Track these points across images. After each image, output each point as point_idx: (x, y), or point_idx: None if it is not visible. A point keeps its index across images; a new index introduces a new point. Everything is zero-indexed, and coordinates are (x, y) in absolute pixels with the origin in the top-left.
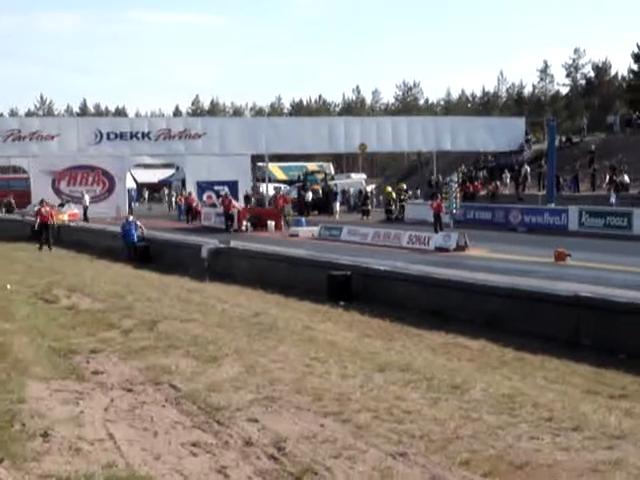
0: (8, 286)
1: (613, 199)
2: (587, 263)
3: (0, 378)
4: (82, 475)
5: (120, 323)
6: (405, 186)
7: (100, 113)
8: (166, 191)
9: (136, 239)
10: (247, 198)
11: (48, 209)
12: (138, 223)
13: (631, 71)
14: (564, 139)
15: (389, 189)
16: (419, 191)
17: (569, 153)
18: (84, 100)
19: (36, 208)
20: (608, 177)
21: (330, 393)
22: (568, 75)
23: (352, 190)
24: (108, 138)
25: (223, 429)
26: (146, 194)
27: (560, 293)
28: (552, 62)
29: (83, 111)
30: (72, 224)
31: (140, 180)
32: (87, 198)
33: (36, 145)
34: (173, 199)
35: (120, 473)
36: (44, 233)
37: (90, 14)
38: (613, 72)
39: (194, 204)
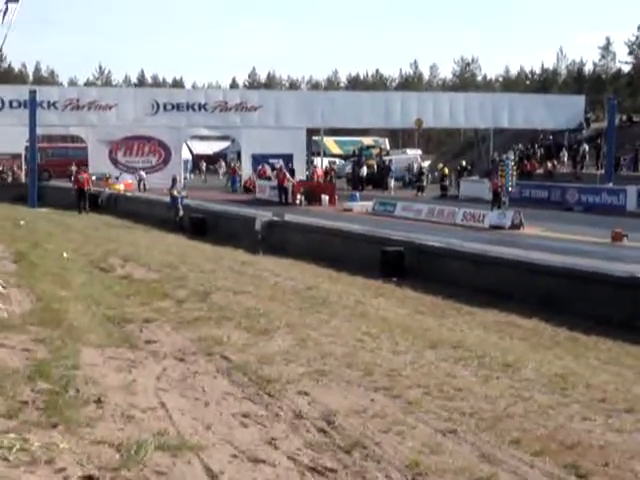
0: (65, 254)
1: None
2: None
3: (55, 345)
4: (134, 442)
5: (174, 293)
6: (464, 163)
7: (157, 84)
8: (222, 163)
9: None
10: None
11: (85, 176)
12: (183, 194)
13: None
14: (624, 118)
15: (441, 165)
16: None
17: (629, 132)
18: (142, 71)
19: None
20: None
21: (381, 368)
22: (630, 53)
23: (407, 165)
24: (165, 109)
25: (273, 401)
26: (203, 166)
27: (616, 274)
28: (614, 39)
29: (141, 82)
30: (128, 194)
31: (196, 152)
32: (143, 174)
33: (94, 115)
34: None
35: (171, 441)
36: (82, 199)
37: None
38: None
39: (244, 177)
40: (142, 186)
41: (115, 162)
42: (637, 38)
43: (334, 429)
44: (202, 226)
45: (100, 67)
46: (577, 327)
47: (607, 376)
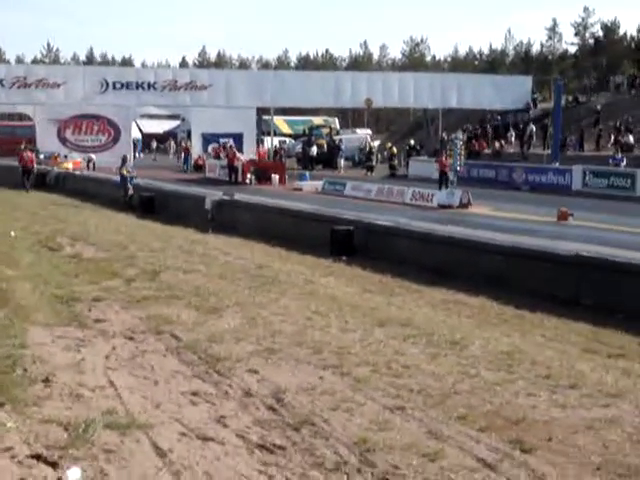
0: (12, 233)
1: (624, 162)
2: (589, 223)
3: (2, 323)
4: (82, 421)
5: (123, 272)
6: (413, 142)
7: (106, 62)
8: (172, 142)
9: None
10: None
11: (29, 154)
12: (133, 173)
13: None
14: (570, 99)
15: (389, 144)
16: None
17: (575, 113)
18: (91, 49)
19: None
20: (613, 138)
21: (330, 346)
22: (577, 34)
23: (359, 145)
24: (114, 88)
25: (223, 379)
26: (154, 145)
27: (561, 252)
28: (561, 20)
29: (89, 60)
30: (76, 173)
31: (145, 131)
32: (92, 156)
33: (42, 93)
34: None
35: (120, 420)
36: (27, 177)
37: None
38: (622, 32)
39: (194, 155)
40: (91, 165)
41: (64, 141)
42: (582, 20)
43: (283, 407)
44: (152, 205)
45: (48, 45)
46: (523, 305)
47: (552, 353)
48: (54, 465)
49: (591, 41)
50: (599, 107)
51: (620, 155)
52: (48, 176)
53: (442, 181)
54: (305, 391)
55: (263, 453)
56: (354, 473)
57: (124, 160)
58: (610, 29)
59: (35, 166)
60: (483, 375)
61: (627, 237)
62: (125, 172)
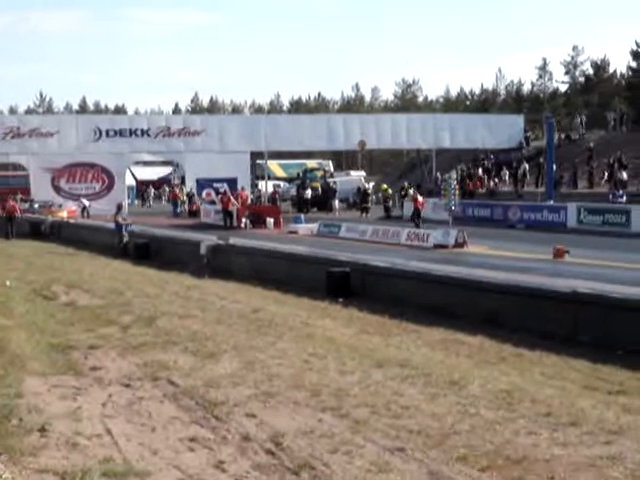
0: (7, 282)
1: (624, 197)
2: (585, 260)
3: None
4: (79, 470)
5: (119, 319)
6: (406, 184)
7: (99, 111)
8: (166, 188)
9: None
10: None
11: (12, 202)
12: (128, 220)
13: (630, 68)
14: (563, 136)
15: (384, 186)
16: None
17: (568, 150)
18: (83, 97)
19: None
20: (607, 174)
21: (328, 388)
22: (567, 72)
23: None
24: (107, 135)
25: (221, 424)
26: (151, 191)
27: (558, 289)
28: (551, 59)
29: (82, 109)
30: (71, 221)
31: (140, 177)
32: (85, 202)
33: (35, 142)
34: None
35: (117, 468)
36: (10, 225)
37: (88, 12)
38: (612, 69)
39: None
40: (85, 213)
41: (58, 189)
42: (572, 58)
43: (282, 450)
44: (147, 251)
45: (41, 94)
46: (522, 343)
47: (552, 390)
48: None
49: (581, 79)
50: (592, 144)
51: (620, 191)
52: (43, 225)
53: (414, 217)
54: (304, 434)
55: None
56: None
57: (119, 207)
58: (600, 67)
59: (18, 214)
60: (483, 414)
61: (623, 273)
62: (120, 219)
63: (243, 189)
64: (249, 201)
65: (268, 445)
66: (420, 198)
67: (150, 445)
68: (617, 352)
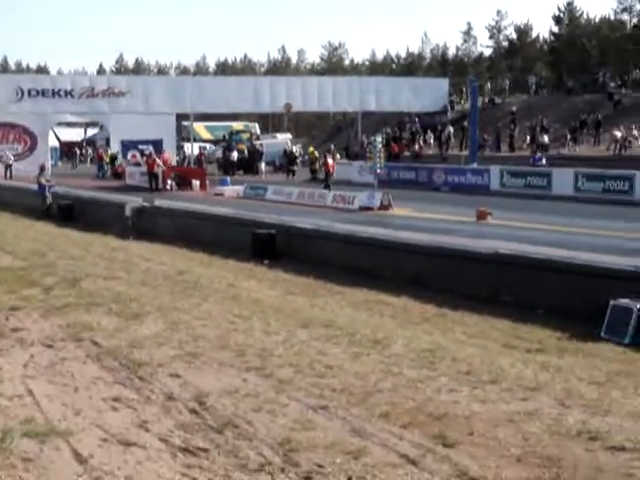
0: None
1: (544, 160)
2: (508, 222)
3: None
4: (0, 431)
5: (42, 281)
6: (333, 146)
7: (21, 70)
8: (89, 150)
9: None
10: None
11: None
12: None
13: (552, 33)
14: (487, 100)
15: (311, 149)
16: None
17: (491, 114)
18: (5, 57)
19: None
20: (529, 138)
21: (253, 349)
22: (491, 37)
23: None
24: (29, 95)
25: (145, 384)
26: (77, 153)
27: (481, 251)
28: (475, 24)
29: (4, 68)
30: None
31: (64, 139)
32: (10, 155)
33: None
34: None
35: (39, 428)
36: None
37: None
38: (534, 34)
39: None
40: (9, 173)
41: None
42: (496, 23)
43: (206, 410)
44: (71, 213)
45: None
46: (445, 304)
47: (473, 349)
48: None
49: (505, 43)
50: (514, 108)
51: (539, 154)
52: None
53: (326, 180)
54: (228, 394)
55: (186, 456)
56: (278, 473)
57: (42, 168)
58: (523, 31)
59: None
60: (405, 373)
61: (544, 235)
62: (43, 180)
63: (164, 152)
64: (172, 163)
65: (192, 405)
66: (330, 161)
67: (73, 405)
68: (537, 312)
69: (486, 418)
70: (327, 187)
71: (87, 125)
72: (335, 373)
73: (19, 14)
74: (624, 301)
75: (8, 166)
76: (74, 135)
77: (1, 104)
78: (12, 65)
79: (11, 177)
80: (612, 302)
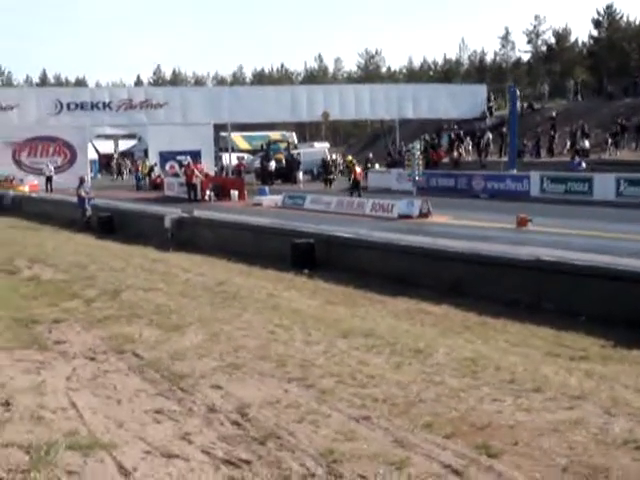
0: None
1: (583, 165)
2: (548, 228)
3: None
4: (44, 443)
5: (83, 293)
6: (371, 155)
7: (60, 84)
8: (128, 162)
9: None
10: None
11: None
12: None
13: (591, 37)
14: (526, 105)
15: (349, 158)
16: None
17: (531, 119)
18: (44, 70)
19: None
20: (569, 143)
21: (294, 359)
22: (529, 42)
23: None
24: (68, 108)
25: (187, 396)
26: (114, 164)
27: (522, 257)
28: (513, 29)
29: (43, 81)
30: (33, 195)
31: (102, 151)
32: (52, 168)
33: None
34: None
35: (82, 440)
36: None
37: None
38: (573, 38)
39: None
40: (49, 186)
41: (19, 164)
42: (534, 27)
43: (248, 421)
44: (110, 225)
45: (0, 67)
46: (486, 311)
47: (515, 358)
48: None
49: (543, 48)
50: (554, 113)
51: (578, 159)
52: (4, 199)
53: (353, 189)
54: (270, 405)
55: (229, 468)
56: None
57: (81, 181)
58: (561, 36)
59: None
60: (448, 382)
61: (586, 240)
62: (83, 193)
63: (198, 162)
64: (206, 172)
65: (234, 416)
66: (358, 169)
67: (115, 418)
68: (580, 319)
69: (530, 427)
70: (358, 195)
71: (121, 137)
72: (377, 383)
73: (57, 28)
74: None
75: (49, 178)
76: (112, 147)
77: (41, 117)
78: (51, 78)
79: (52, 190)
80: None
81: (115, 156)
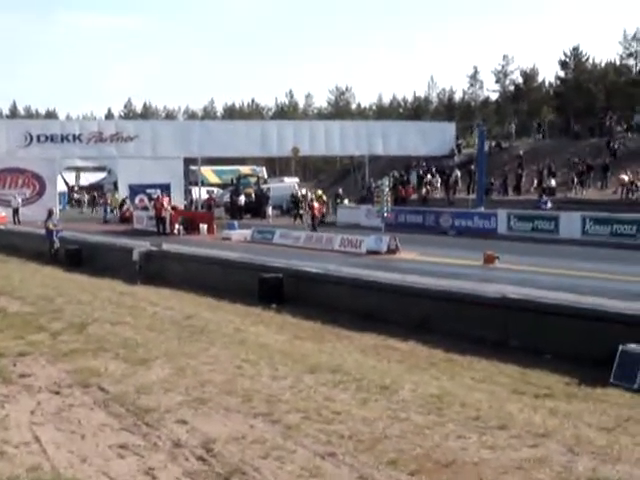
0: None
1: (549, 204)
2: (515, 266)
3: None
4: (6, 478)
5: (49, 326)
6: (341, 190)
7: (31, 116)
8: (95, 195)
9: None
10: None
11: None
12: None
13: (558, 78)
14: (494, 144)
15: (319, 193)
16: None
17: (498, 158)
18: (14, 102)
19: None
20: (536, 181)
21: (260, 394)
22: (497, 81)
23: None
24: (38, 140)
25: (152, 431)
26: (85, 197)
27: (489, 295)
28: (481, 68)
29: (13, 113)
30: (1, 227)
31: (71, 183)
32: (19, 200)
33: None
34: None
35: (45, 476)
36: None
37: (18, 16)
38: (540, 79)
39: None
40: (17, 218)
41: None
42: (502, 67)
43: (213, 457)
44: (78, 258)
45: None
46: (453, 348)
47: (481, 395)
48: None
49: (511, 88)
50: (521, 152)
51: (545, 198)
52: None
53: (313, 223)
54: (235, 440)
55: None
56: None
57: (50, 213)
58: (529, 76)
59: None
60: (413, 419)
61: (552, 278)
62: (51, 225)
63: (164, 195)
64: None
65: (199, 451)
66: (316, 204)
67: (79, 452)
68: (545, 356)
69: (495, 465)
70: (313, 229)
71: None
72: (343, 419)
73: (27, 61)
74: (633, 346)
75: (16, 210)
76: (83, 180)
77: (10, 149)
78: (21, 110)
79: (19, 222)
80: (621, 347)
81: (75, 188)
